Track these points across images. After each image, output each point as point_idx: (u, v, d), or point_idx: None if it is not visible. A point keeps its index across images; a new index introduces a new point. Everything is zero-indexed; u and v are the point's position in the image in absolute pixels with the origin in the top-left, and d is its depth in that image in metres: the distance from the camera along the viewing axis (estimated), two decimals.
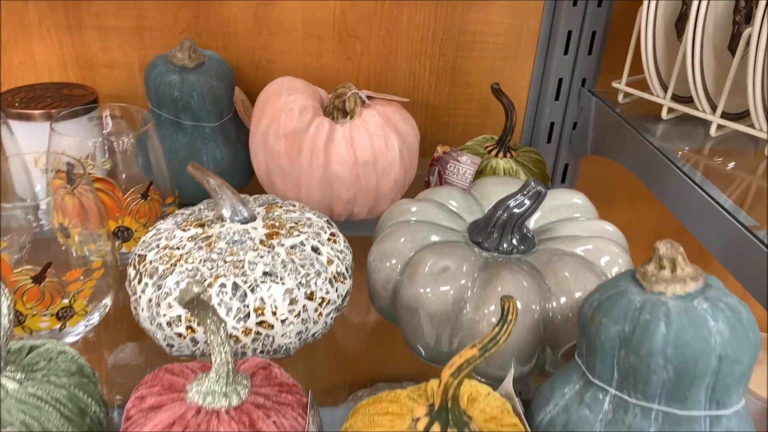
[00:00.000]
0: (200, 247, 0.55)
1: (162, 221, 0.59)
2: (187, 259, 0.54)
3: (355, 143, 0.73)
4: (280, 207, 0.62)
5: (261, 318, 0.52)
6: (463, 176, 0.79)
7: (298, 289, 0.54)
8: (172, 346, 0.54)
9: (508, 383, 0.47)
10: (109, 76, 0.87)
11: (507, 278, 0.53)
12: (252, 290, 0.52)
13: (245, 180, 0.83)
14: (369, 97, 0.76)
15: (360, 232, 0.73)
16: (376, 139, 0.73)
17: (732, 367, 0.38)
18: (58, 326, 0.56)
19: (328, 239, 0.59)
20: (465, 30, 0.88)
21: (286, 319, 0.53)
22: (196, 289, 0.39)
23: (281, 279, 0.53)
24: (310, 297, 0.54)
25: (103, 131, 0.72)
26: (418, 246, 0.58)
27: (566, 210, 0.63)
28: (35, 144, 0.72)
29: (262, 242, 0.56)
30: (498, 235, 0.58)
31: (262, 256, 0.54)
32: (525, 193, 0.57)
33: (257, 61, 0.88)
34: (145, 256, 0.56)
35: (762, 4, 0.64)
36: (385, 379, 0.64)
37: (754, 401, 0.90)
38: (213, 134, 0.78)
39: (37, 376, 0.45)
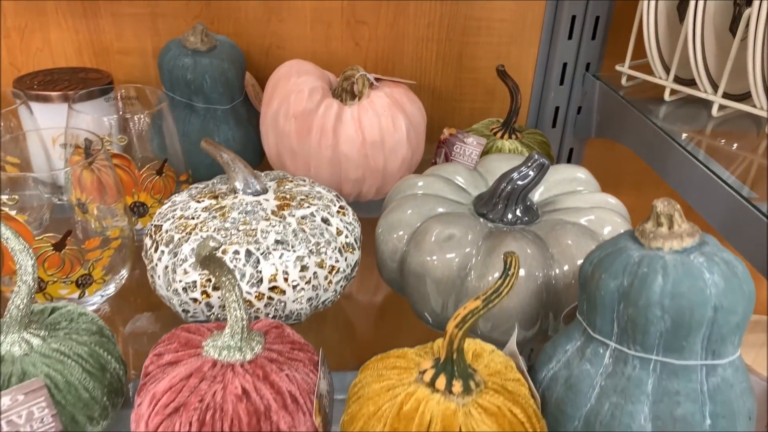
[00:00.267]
0: (214, 217, 0.56)
1: (177, 194, 0.61)
2: (201, 228, 0.56)
3: (363, 123, 0.75)
4: (291, 181, 0.63)
5: (273, 284, 0.54)
6: (469, 157, 0.80)
7: (309, 257, 0.55)
8: (187, 311, 0.56)
9: (512, 343, 0.49)
10: (123, 62, 0.89)
11: (511, 246, 0.54)
12: (264, 257, 0.54)
13: (256, 161, 0.85)
14: (377, 79, 0.78)
15: (368, 214, 0.74)
16: (384, 119, 0.75)
17: (727, 318, 0.40)
18: (77, 294, 0.58)
19: (338, 212, 0.61)
20: (471, 15, 0.89)
21: (298, 285, 0.55)
22: (212, 244, 0.41)
23: (292, 247, 0.55)
24: (321, 265, 0.56)
25: (119, 111, 0.74)
26: (425, 217, 0.59)
27: (569, 184, 0.65)
28: (53, 125, 0.74)
29: (273, 213, 0.58)
30: (502, 206, 0.59)
31: (273, 226, 0.56)
32: (529, 165, 0.59)
33: (267, 46, 0.90)
34: (161, 226, 0.58)
35: None
36: None
37: (756, 381, 0.91)
38: (225, 116, 0.80)
39: (60, 334, 0.47)
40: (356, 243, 0.61)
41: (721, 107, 0.77)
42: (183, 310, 0.56)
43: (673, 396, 0.41)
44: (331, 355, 0.65)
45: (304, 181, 0.64)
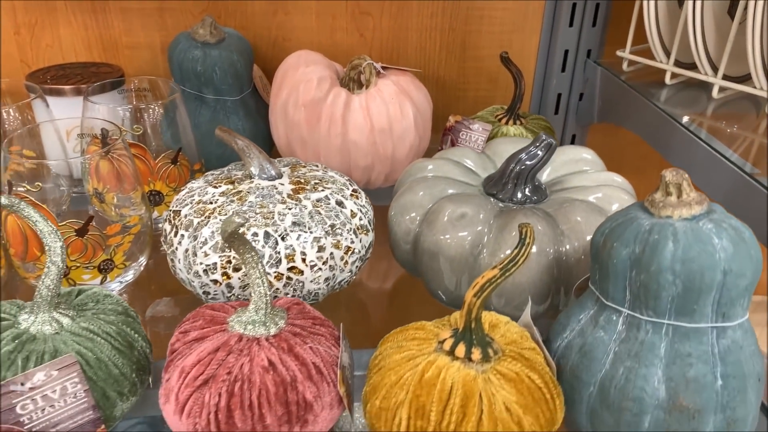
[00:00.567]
0: (232, 201, 0.58)
1: (193, 181, 0.63)
2: (220, 211, 0.57)
3: (372, 111, 0.76)
4: (304, 167, 0.65)
5: (292, 264, 0.55)
6: (476, 143, 0.82)
7: (326, 238, 0.57)
8: (207, 293, 0.57)
9: (526, 315, 0.51)
10: (132, 57, 0.90)
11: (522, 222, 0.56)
12: (282, 238, 0.55)
13: (266, 152, 0.86)
14: (383, 68, 0.79)
15: (377, 202, 0.75)
16: (392, 106, 0.76)
17: (736, 281, 0.41)
18: (99, 279, 0.59)
19: (351, 195, 0.62)
20: (473, 5, 0.91)
21: (315, 265, 0.56)
22: (237, 220, 0.43)
23: (309, 228, 0.56)
24: (337, 246, 0.58)
25: (133, 102, 0.75)
26: (436, 198, 0.61)
27: (576, 164, 0.66)
28: (66, 118, 0.75)
29: (289, 196, 0.59)
30: (512, 186, 0.61)
31: (290, 208, 0.57)
32: (537, 145, 0.60)
33: (273, 39, 0.92)
34: (180, 211, 0.59)
35: None
36: None
37: None
38: (234, 107, 0.82)
39: (88, 314, 0.49)
40: (370, 225, 0.62)
41: (722, 89, 0.78)
42: (204, 292, 0.57)
43: (685, 358, 0.42)
44: (347, 335, 0.66)
45: (317, 166, 0.66)
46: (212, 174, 0.64)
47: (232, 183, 0.61)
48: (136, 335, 0.49)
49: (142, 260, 0.64)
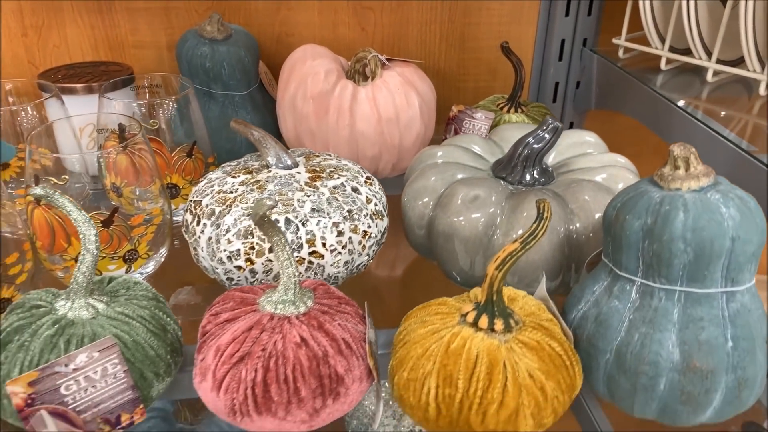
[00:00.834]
0: (252, 190, 0.60)
1: (211, 173, 0.64)
2: (240, 200, 0.59)
3: (378, 102, 0.78)
4: (318, 156, 0.67)
5: (312, 248, 0.57)
6: (479, 131, 0.84)
7: (344, 223, 0.59)
8: (231, 279, 0.59)
9: (542, 289, 0.53)
10: (138, 56, 0.92)
11: (533, 203, 0.58)
12: (303, 224, 0.57)
13: None
14: (388, 59, 0.81)
15: (384, 191, 0.78)
16: (398, 96, 0.78)
17: (744, 247, 0.44)
18: (124, 269, 0.61)
19: (365, 182, 0.64)
20: None
21: (335, 249, 0.58)
22: (268, 202, 0.45)
23: (328, 214, 0.58)
24: (355, 230, 0.60)
25: (146, 98, 0.77)
26: (448, 182, 0.63)
27: (580, 147, 0.69)
28: (80, 117, 0.77)
29: (306, 184, 0.61)
30: (521, 169, 0.63)
31: (308, 195, 0.59)
32: (544, 128, 0.62)
33: (277, 35, 0.93)
34: (201, 201, 0.61)
35: None
36: None
37: None
38: (242, 102, 0.84)
39: (121, 300, 0.50)
40: (384, 210, 0.64)
41: (715, 73, 0.81)
42: (227, 278, 0.59)
43: (697, 322, 0.45)
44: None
45: (330, 155, 0.67)
46: (229, 165, 0.65)
47: (251, 173, 0.62)
48: (168, 319, 0.51)
49: (163, 251, 0.66)
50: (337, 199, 0.60)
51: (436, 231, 0.62)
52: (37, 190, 0.47)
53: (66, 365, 0.44)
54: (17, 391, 0.43)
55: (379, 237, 0.63)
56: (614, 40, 0.89)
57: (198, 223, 0.60)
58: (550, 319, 0.49)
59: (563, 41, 0.96)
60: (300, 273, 0.58)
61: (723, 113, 0.75)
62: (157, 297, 0.53)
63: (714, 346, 0.45)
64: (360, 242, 0.60)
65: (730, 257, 0.44)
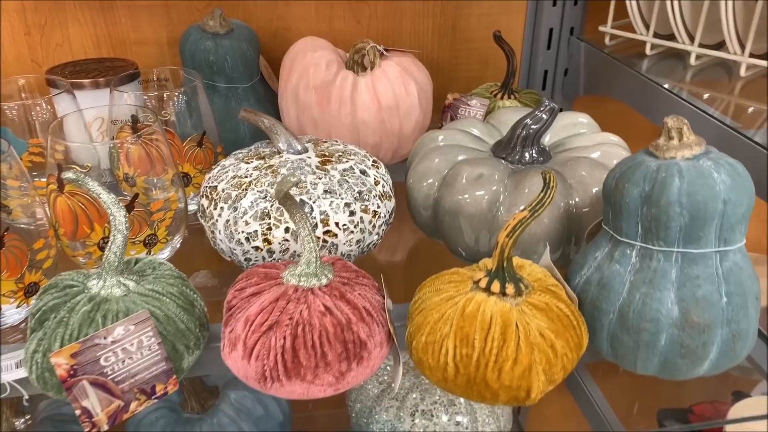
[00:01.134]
0: (266, 174, 0.62)
1: (224, 159, 0.67)
2: (256, 184, 0.61)
3: (378, 91, 0.81)
4: (325, 142, 0.70)
5: (326, 228, 0.60)
6: (474, 118, 0.87)
7: (355, 203, 0.62)
8: (249, 260, 0.62)
9: (546, 257, 0.56)
10: (139, 52, 0.94)
11: (534, 180, 0.61)
12: (317, 205, 0.60)
13: None
14: (385, 50, 0.84)
15: None
16: (397, 85, 0.81)
17: (735, 209, 0.47)
18: (144, 253, 0.63)
19: (372, 165, 0.67)
20: None
21: (347, 228, 0.61)
22: (293, 179, 0.47)
23: (340, 195, 0.61)
24: (365, 210, 0.63)
25: (155, 91, 0.79)
26: (451, 163, 0.66)
27: (574, 128, 0.72)
28: (88, 111, 0.79)
29: (317, 167, 0.64)
30: (520, 148, 0.66)
31: (320, 178, 0.62)
32: (541, 110, 0.66)
33: (275, 29, 0.96)
34: (216, 186, 0.63)
35: None
36: None
37: None
38: (245, 94, 0.86)
39: (149, 278, 0.53)
40: (391, 192, 0.67)
41: (698, 56, 0.85)
42: (245, 259, 0.62)
43: (694, 280, 0.48)
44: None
45: (336, 141, 0.70)
46: (241, 152, 0.68)
47: (263, 159, 0.65)
48: (195, 295, 0.54)
49: (178, 237, 0.68)
50: (347, 181, 0.63)
51: (442, 210, 0.65)
52: (70, 174, 0.49)
53: (105, 338, 0.47)
54: (61, 362, 0.45)
55: (387, 217, 0.66)
56: (600, 28, 0.93)
57: (215, 207, 0.62)
58: (555, 284, 0.52)
59: (551, 30, 1.00)
60: None
61: (706, 94, 0.79)
62: (182, 276, 0.55)
63: (710, 302, 0.48)
64: (370, 221, 0.63)
65: (723, 219, 0.47)
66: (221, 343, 0.51)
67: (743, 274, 0.49)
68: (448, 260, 0.69)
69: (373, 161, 0.68)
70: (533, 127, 0.66)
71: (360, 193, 0.63)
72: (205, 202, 0.64)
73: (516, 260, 0.54)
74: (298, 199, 0.60)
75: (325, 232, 0.60)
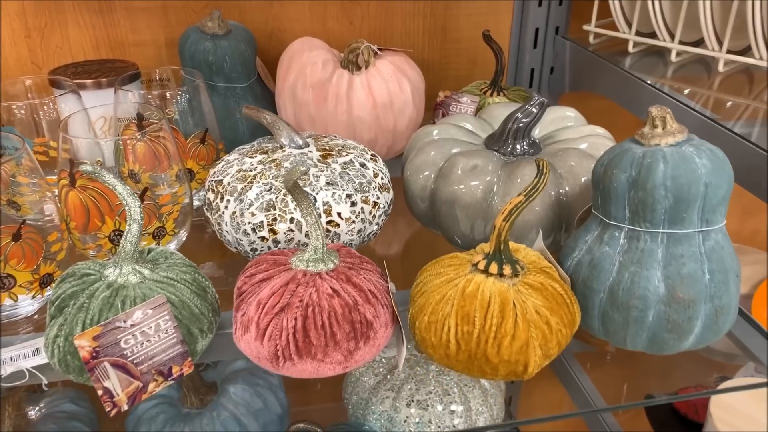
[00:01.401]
0: (270, 168, 0.65)
1: (227, 155, 0.70)
2: (261, 177, 0.64)
3: (373, 88, 0.84)
4: (325, 137, 0.72)
5: (329, 218, 0.63)
6: (466, 114, 0.90)
7: (356, 194, 0.65)
8: (255, 250, 0.64)
9: (539, 242, 0.59)
10: (138, 54, 0.96)
11: (526, 170, 0.65)
12: (320, 196, 0.63)
13: None
14: (379, 49, 0.87)
15: None
16: (391, 83, 0.84)
17: (715, 192, 0.51)
18: (154, 244, 0.66)
19: (370, 158, 0.70)
20: None
21: (349, 218, 0.64)
22: (302, 168, 0.50)
23: (341, 187, 0.64)
24: (366, 201, 0.65)
25: (158, 90, 0.82)
26: (447, 155, 0.69)
27: (562, 121, 0.75)
28: (90, 111, 0.81)
29: (319, 161, 0.66)
30: (511, 141, 0.70)
31: (322, 171, 0.65)
32: (531, 103, 0.69)
33: (270, 30, 0.99)
34: (222, 180, 0.66)
35: None
36: None
37: None
38: (244, 94, 0.89)
39: (162, 266, 0.55)
40: (389, 183, 0.70)
41: (678, 53, 0.89)
42: (251, 249, 0.64)
43: (678, 259, 0.52)
44: None
45: (335, 137, 0.73)
46: (244, 148, 0.71)
47: (266, 153, 0.68)
48: (207, 282, 0.56)
49: (184, 231, 0.70)
50: (348, 174, 0.66)
51: (438, 200, 0.68)
52: (88, 167, 0.52)
53: (124, 321, 0.49)
54: (84, 344, 0.47)
55: (386, 208, 0.69)
56: (585, 27, 0.97)
57: (221, 200, 0.65)
58: (548, 266, 0.56)
59: (537, 30, 1.03)
60: None
61: (687, 89, 0.83)
62: (193, 264, 0.58)
63: (694, 278, 0.52)
64: (371, 212, 0.66)
65: (705, 200, 0.51)
66: (233, 327, 0.54)
67: (724, 252, 0.52)
68: (445, 249, 0.72)
69: (372, 155, 0.71)
70: (524, 120, 0.69)
71: (360, 184, 0.65)
72: (211, 195, 0.66)
73: (511, 244, 0.57)
74: None
75: (328, 222, 0.63)
